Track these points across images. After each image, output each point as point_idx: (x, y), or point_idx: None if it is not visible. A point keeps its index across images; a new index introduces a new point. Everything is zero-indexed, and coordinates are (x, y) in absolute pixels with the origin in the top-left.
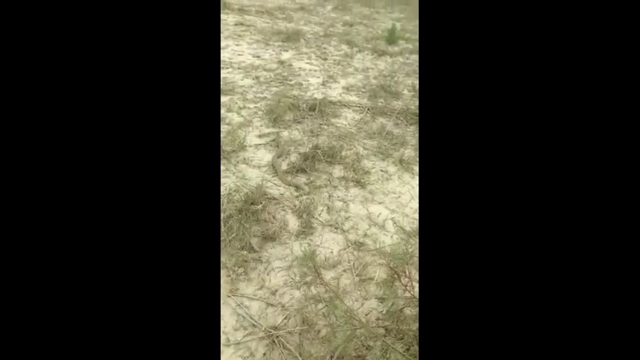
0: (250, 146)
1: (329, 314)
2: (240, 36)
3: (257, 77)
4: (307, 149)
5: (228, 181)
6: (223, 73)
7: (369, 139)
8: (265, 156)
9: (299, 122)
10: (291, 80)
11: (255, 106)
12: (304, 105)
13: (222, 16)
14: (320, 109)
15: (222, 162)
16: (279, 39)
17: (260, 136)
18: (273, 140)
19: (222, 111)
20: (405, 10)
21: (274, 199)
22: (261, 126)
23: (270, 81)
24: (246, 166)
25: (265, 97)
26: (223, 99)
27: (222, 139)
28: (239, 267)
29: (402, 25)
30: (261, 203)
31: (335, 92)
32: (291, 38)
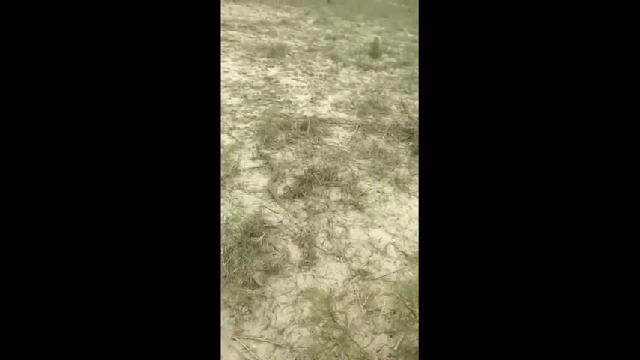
0: (244, 170)
1: (340, 354)
2: (224, 52)
3: (245, 95)
4: (303, 172)
5: (224, 210)
6: None
7: (363, 159)
8: (260, 180)
9: (291, 143)
10: (279, 98)
11: (246, 127)
12: (295, 124)
13: None
14: (311, 128)
15: None
16: (264, 54)
17: (253, 159)
18: (267, 163)
19: None
20: (384, 23)
21: (273, 227)
22: (253, 148)
23: (259, 99)
24: (242, 192)
25: (255, 117)
26: None
27: None
28: (243, 305)
29: (383, 39)
30: (261, 234)
31: (324, 109)
32: (276, 53)
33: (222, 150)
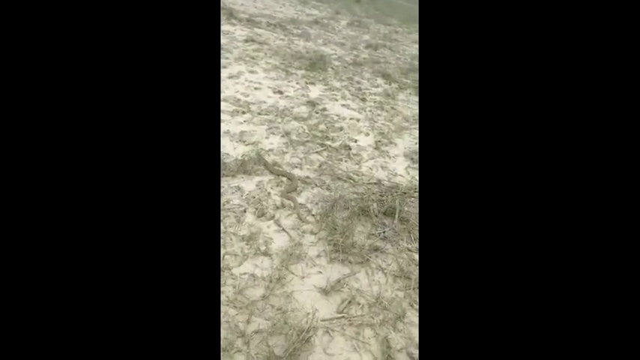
0: (316, 328)
1: None
2: (253, 58)
3: (287, 133)
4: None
5: None
6: (240, 124)
7: None
8: (352, 357)
9: (379, 250)
10: (333, 139)
11: (299, 204)
12: (375, 205)
13: (229, 28)
14: (400, 214)
15: None
16: (301, 65)
17: (325, 292)
18: (350, 302)
19: (251, 218)
20: None
21: None
22: (318, 256)
23: (306, 141)
24: None
25: (308, 179)
26: (249, 185)
27: (268, 314)
28: None
29: None
30: None
31: (399, 166)
32: (316, 66)
33: (271, 262)
